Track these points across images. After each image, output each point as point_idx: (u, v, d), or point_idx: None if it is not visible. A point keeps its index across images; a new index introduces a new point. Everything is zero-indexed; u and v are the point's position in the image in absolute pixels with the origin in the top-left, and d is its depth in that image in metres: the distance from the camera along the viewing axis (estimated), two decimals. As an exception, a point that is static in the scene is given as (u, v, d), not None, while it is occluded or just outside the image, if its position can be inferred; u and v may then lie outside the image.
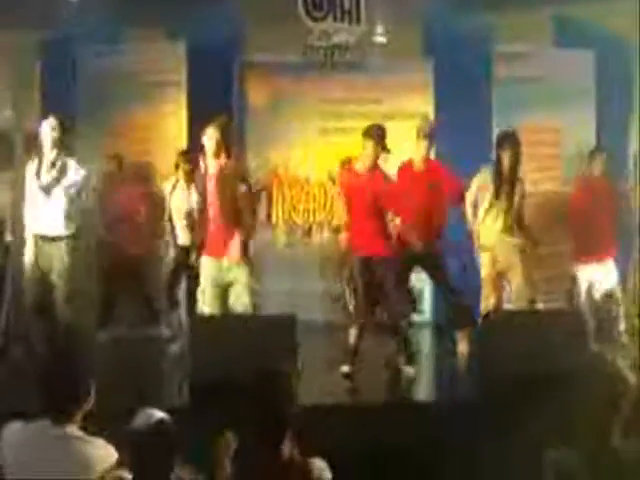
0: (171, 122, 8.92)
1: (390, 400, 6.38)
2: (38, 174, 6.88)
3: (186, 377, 6.03)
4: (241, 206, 6.63)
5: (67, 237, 6.93)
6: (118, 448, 3.55)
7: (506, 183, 7.20)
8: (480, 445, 5.12)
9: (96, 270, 8.00)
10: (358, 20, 8.99)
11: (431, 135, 7.40)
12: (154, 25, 8.67)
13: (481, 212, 7.27)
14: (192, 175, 7.68)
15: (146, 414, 3.47)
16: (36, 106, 8.46)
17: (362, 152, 6.93)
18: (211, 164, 6.65)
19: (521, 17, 8.75)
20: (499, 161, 7.20)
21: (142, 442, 3.38)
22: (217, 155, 6.65)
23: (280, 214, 9.29)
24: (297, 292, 8.96)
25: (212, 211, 6.66)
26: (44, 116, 7.00)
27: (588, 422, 3.25)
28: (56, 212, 6.89)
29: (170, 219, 8.27)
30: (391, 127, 7.19)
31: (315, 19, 8.97)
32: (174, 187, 8.23)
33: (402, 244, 7.18)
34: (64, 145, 6.94)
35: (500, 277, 7.29)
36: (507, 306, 7.37)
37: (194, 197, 7.38)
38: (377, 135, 6.86)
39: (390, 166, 7.34)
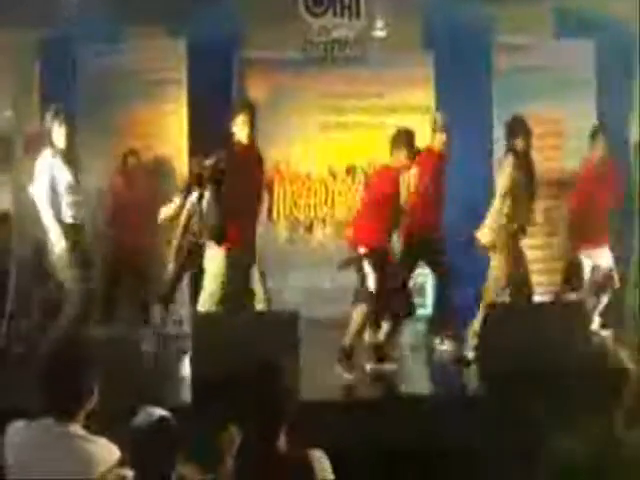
0: (172, 120, 8.92)
1: (388, 395, 6.38)
2: (61, 167, 6.90)
3: (188, 374, 6.04)
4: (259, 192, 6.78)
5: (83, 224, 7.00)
6: (120, 446, 3.56)
7: (522, 169, 7.23)
8: (481, 438, 5.12)
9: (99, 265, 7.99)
10: (358, 15, 8.98)
11: (448, 128, 7.43)
12: (154, 23, 8.66)
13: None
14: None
15: (147, 412, 3.48)
16: (35, 107, 8.46)
17: (393, 161, 6.89)
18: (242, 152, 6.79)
19: (521, 8, 8.74)
20: (514, 148, 7.19)
21: (144, 439, 3.39)
22: (250, 140, 6.75)
23: (281, 210, 9.29)
24: (299, 288, 8.99)
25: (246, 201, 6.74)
26: (49, 112, 7.00)
27: (591, 413, 3.25)
28: (80, 202, 6.95)
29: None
30: (392, 121, 7.19)
31: (315, 14, 8.97)
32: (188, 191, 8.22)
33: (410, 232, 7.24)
34: (73, 141, 6.98)
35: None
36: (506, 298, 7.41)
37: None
38: (407, 143, 6.84)
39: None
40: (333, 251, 9.08)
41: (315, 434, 3.61)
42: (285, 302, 8.19)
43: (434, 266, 7.72)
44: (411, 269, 7.58)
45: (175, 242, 7.90)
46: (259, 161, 7.19)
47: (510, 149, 7.18)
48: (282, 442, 3.47)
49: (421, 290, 7.97)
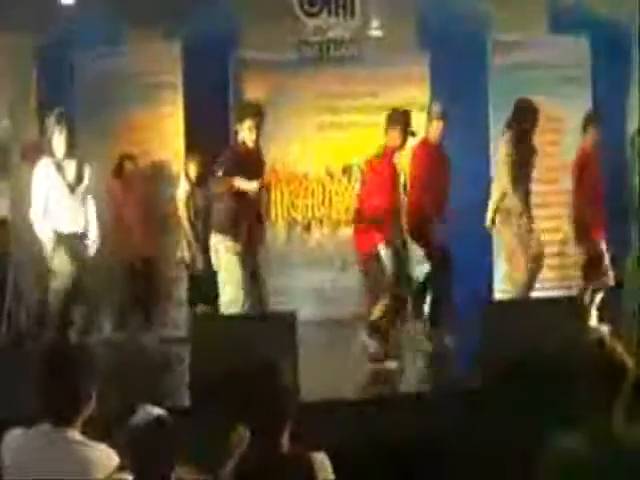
0: (169, 122, 8.92)
1: (389, 394, 6.38)
2: (58, 174, 6.90)
3: (187, 376, 6.04)
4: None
5: (88, 233, 7.04)
6: (119, 448, 3.54)
7: (527, 152, 7.30)
8: (481, 434, 5.12)
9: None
10: (353, 14, 8.99)
11: (445, 116, 7.46)
12: (150, 26, 8.67)
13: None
14: (204, 172, 7.74)
15: (146, 410, 3.46)
16: (33, 113, 8.45)
17: (388, 141, 6.93)
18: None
19: (516, 5, 8.74)
20: (514, 126, 7.30)
21: (142, 437, 3.37)
22: (255, 144, 6.78)
23: (279, 210, 9.28)
24: (296, 288, 8.99)
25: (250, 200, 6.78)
26: (49, 116, 7.01)
27: (589, 409, 3.24)
28: (80, 209, 6.94)
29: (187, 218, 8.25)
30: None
31: (309, 14, 8.96)
32: (191, 188, 8.20)
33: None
34: (74, 146, 7.00)
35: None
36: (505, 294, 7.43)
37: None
38: (402, 122, 6.88)
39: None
40: (331, 251, 9.11)
41: (315, 435, 3.60)
42: (283, 302, 8.19)
43: (430, 251, 7.66)
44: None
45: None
46: (261, 165, 7.21)
47: (510, 126, 7.36)
48: (283, 443, 3.46)
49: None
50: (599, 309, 7.86)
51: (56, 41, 8.49)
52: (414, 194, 7.43)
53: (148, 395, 5.33)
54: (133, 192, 8.40)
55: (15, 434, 3.62)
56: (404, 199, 7.35)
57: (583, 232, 7.94)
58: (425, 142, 7.53)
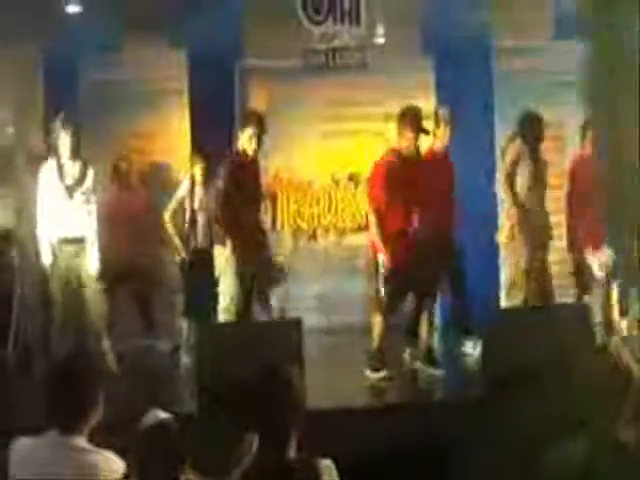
0: (174, 129, 8.93)
1: (401, 401, 6.39)
2: (59, 178, 6.93)
3: (192, 384, 6.04)
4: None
5: (88, 239, 7.08)
6: (125, 456, 3.55)
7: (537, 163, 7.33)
8: (487, 441, 5.12)
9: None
10: (358, 22, 8.98)
11: (452, 121, 7.47)
12: (155, 33, 8.68)
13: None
14: (208, 174, 7.76)
15: (154, 414, 3.47)
16: (38, 121, 8.47)
17: (399, 140, 6.94)
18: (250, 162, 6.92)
19: (520, 12, 8.75)
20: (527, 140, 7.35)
21: (148, 443, 3.37)
22: (256, 152, 6.81)
23: (285, 219, 9.28)
24: (304, 297, 8.99)
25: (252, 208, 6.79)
26: (55, 122, 7.03)
27: (594, 416, 3.25)
28: (80, 214, 6.97)
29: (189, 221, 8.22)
30: (393, 128, 7.18)
31: (315, 22, 8.97)
32: (192, 189, 8.16)
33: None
34: (79, 149, 7.02)
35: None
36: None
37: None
38: (414, 120, 6.89)
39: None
40: (337, 259, 9.10)
41: (322, 442, 3.60)
42: (290, 310, 8.20)
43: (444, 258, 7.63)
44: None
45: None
46: (258, 174, 7.24)
47: (518, 135, 7.45)
48: (290, 450, 3.46)
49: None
50: (619, 302, 7.83)
51: (62, 48, 8.48)
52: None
53: (154, 402, 5.35)
54: (129, 194, 8.30)
55: (23, 442, 3.64)
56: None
57: (574, 239, 7.97)
58: (432, 148, 7.53)
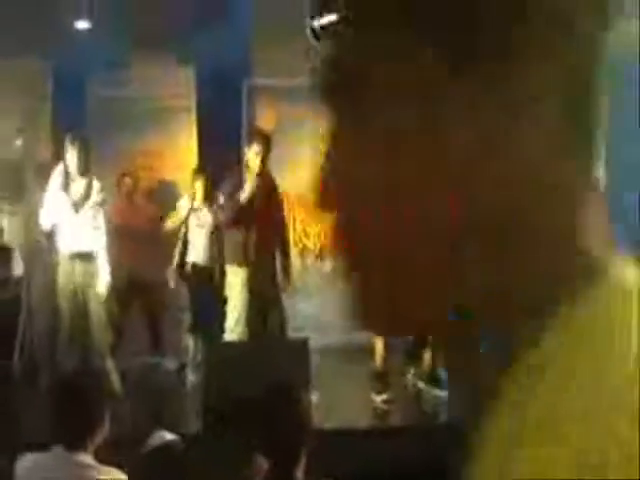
0: (181, 147, 8.93)
1: (399, 422, 6.35)
2: (66, 193, 6.93)
3: (199, 403, 6.01)
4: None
5: (95, 254, 7.08)
6: (130, 473, 3.52)
7: None
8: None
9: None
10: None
11: None
12: (163, 51, 8.69)
13: None
14: (210, 192, 7.73)
15: (159, 435, 3.44)
16: (46, 136, 8.47)
17: None
18: (255, 179, 6.86)
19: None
20: None
21: (153, 463, 3.35)
22: (262, 169, 6.79)
23: (292, 238, 9.24)
24: (310, 316, 8.95)
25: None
26: (66, 139, 7.03)
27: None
28: (86, 228, 6.96)
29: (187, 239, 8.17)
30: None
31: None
32: (193, 207, 8.11)
33: None
34: (87, 165, 7.01)
35: None
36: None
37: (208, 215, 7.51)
38: None
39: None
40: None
41: (329, 462, 3.56)
42: (296, 329, 8.15)
43: None
44: None
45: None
46: (273, 189, 7.21)
47: None
48: (299, 472, 3.42)
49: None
50: None
51: (70, 65, 8.50)
52: None
53: (160, 420, 5.32)
54: (135, 210, 8.25)
55: (28, 458, 3.61)
56: None
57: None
58: None
